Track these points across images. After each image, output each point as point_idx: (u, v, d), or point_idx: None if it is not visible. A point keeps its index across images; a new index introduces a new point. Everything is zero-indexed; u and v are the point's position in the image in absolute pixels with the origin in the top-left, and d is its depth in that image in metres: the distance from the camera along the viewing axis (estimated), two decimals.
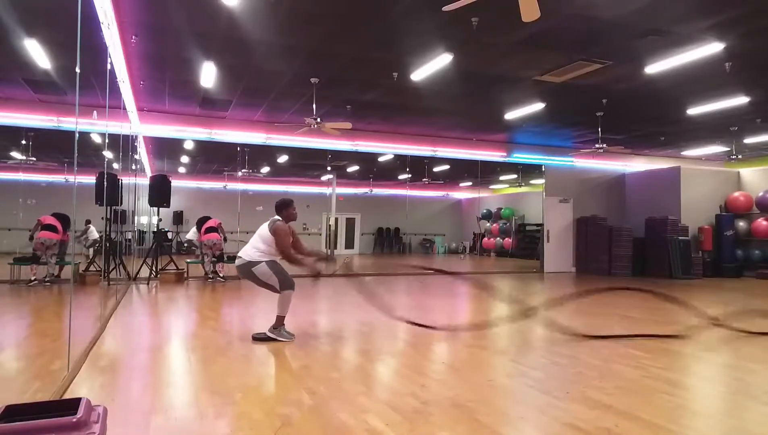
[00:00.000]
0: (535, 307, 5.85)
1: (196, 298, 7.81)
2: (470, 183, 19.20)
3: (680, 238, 11.93)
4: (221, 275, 9.68)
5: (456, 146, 12.65)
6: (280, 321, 4.76)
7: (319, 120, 8.28)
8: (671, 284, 10.63)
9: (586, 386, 3.51)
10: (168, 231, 16.05)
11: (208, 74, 7.68)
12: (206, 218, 10.05)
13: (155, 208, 10.04)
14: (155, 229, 10.80)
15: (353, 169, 15.91)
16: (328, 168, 15.46)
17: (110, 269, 8.70)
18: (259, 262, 4.76)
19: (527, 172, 15.63)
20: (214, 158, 14.42)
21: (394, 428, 2.73)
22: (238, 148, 12.13)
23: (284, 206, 5.01)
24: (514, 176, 17.25)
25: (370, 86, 8.41)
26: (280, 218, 4.93)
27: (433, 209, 20.69)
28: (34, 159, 10.84)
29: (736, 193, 12.97)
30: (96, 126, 7.40)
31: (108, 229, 8.60)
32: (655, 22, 5.75)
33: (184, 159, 14.45)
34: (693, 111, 9.32)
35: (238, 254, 4.93)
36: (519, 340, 5.20)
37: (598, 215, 13.22)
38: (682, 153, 13.95)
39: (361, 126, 11.00)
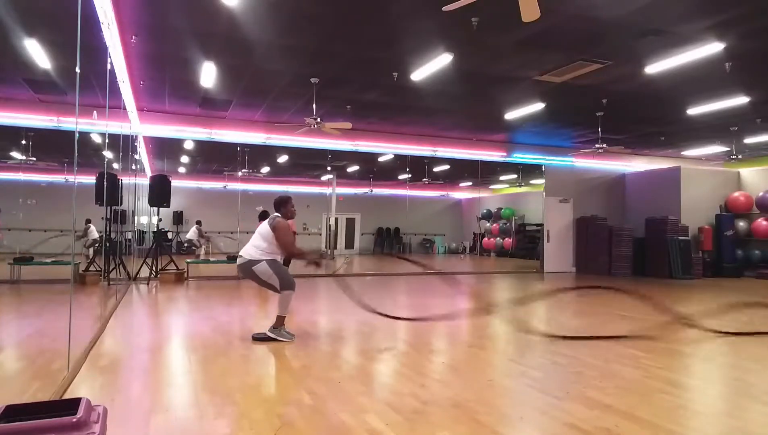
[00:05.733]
0: (498, 305, 5.91)
1: (196, 298, 7.81)
2: (470, 183, 19.20)
3: (680, 238, 11.93)
4: None
5: (456, 146, 12.65)
6: (280, 321, 4.76)
7: (319, 120, 8.28)
8: (671, 284, 10.63)
9: (586, 386, 3.51)
10: (168, 231, 16.05)
11: (208, 74, 7.68)
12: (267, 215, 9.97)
13: (155, 208, 10.04)
14: (155, 229, 10.79)
15: (353, 169, 15.91)
16: (328, 168, 15.45)
17: (110, 269, 8.70)
18: (259, 261, 4.76)
19: (527, 172, 15.62)
20: (214, 158, 14.42)
21: (394, 428, 2.73)
22: (238, 148, 12.13)
23: (283, 203, 5.04)
24: (514, 176, 17.25)
25: (370, 86, 8.41)
26: (279, 215, 4.95)
27: (433, 209, 20.68)
28: (34, 159, 10.83)
29: (736, 193, 12.97)
30: (96, 126, 7.39)
31: (108, 229, 8.60)
32: (655, 22, 5.75)
33: (184, 159, 14.45)
34: (693, 111, 9.32)
35: (239, 253, 4.94)
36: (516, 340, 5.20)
37: (598, 215, 13.21)
38: (682, 153, 13.94)
39: (361, 126, 11.00)
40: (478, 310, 6.27)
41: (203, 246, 14.93)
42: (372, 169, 16.22)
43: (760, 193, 12.50)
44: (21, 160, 11.16)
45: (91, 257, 10.38)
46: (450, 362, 4.26)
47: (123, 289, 8.23)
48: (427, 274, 10.83)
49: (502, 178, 18.09)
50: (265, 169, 15.71)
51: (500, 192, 20.64)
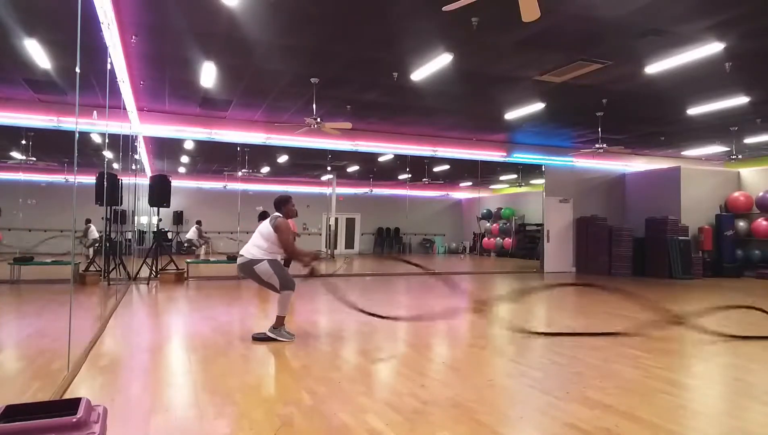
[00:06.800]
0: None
1: (196, 298, 7.81)
2: (470, 183, 19.20)
3: (680, 238, 11.93)
4: None
5: (456, 146, 12.65)
6: (280, 321, 4.76)
7: (319, 120, 8.28)
8: (671, 284, 10.63)
9: (586, 386, 3.51)
10: (168, 231, 16.05)
11: (208, 74, 7.68)
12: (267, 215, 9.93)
13: (155, 208, 10.04)
14: (155, 229, 10.79)
15: (353, 169, 15.91)
16: (328, 168, 15.46)
17: (110, 269, 8.70)
18: (260, 261, 4.76)
19: (527, 172, 15.63)
20: (214, 158, 14.41)
21: (394, 428, 2.73)
22: (238, 148, 12.13)
23: (283, 202, 5.05)
24: (514, 176, 17.25)
25: (370, 86, 8.41)
26: (280, 215, 4.95)
27: (433, 209, 20.68)
28: (34, 159, 10.83)
29: (736, 193, 12.97)
30: (96, 126, 7.39)
31: (108, 229, 8.60)
32: (655, 22, 5.75)
33: (184, 159, 14.45)
34: (693, 111, 9.31)
35: (240, 252, 4.94)
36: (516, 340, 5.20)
37: (598, 215, 13.21)
38: (682, 153, 13.94)
39: (361, 126, 10.99)
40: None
41: (203, 246, 14.94)
42: (372, 169, 16.22)
43: (760, 193, 12.50)
44: (21, 160, 11.16)
45: (91, 257, 10.38)
46: (450, 362, 4.27)
47: (123, 289, 8.23)
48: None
49: (502, 178, 18.09)
50: (265, 169, 15.70)
51: (500, 192, 20.64)
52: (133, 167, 9.54)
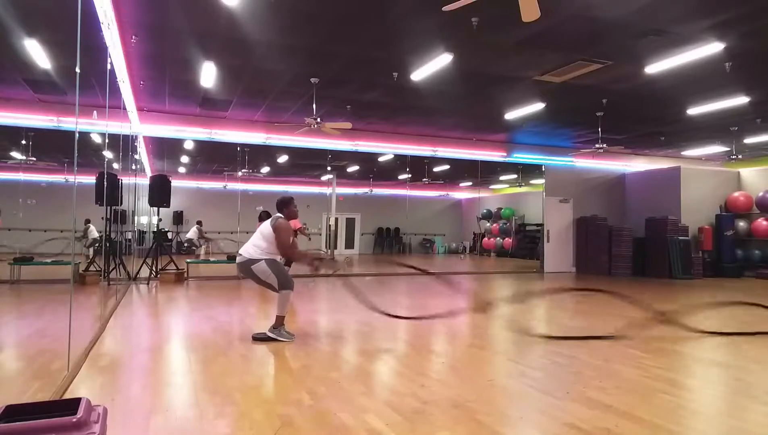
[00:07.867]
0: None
1: (196, 298, 7.81)
2: (470, 183, 19.20)
3: (680, 238, 11.93)
4: None
5: (456, 146, 12.65)
6: (279, 321, 4.76)
7: (319, 120, 8.28)
8: (671, 284, 10.64)
9: (586, 386, 3.51)
10: (168, 231, 16.05)
11: (208, 74, 7.68)
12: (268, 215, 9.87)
13: (155, 208, 10.04)
14: (155, 229, 10.79)
15: (353, 169, 15.91)
16: (328, 168, 15.46)
17: (110, 269, 8.70)
18: (258, 260, 4.76)
19: (527, 172, 15.63)
20: (214, 158, 14.42)
21: (394, 428, 2.73)
22: (238, 148, 12.13)
23: (285, 204, 5.06)
24: (514, 176, 17.26)
25: (370, 86, 8.41)
26: (281, 216, 4.95)
27: (433, 209, 20.69)
28: (34, 159, 10.83)
29: (736, 193, 12.97)
30: (96, 126, 7.39)
31: (108, 229, 8.60)
32: (655, 22, 5.75)
33: (184, 159, 14.45)
34: (693, 111, 9.31)
35: (239, 252, 4.94)
36: (516, 339, 5.20)
37: (598, 215, 13.21)
38: (682, 153, 13.94)
39: (361, 126, 11.00)
40: None
41: (203, 246, 14.94)
42: (372, 169, 16.22)
43: (760, 193, 12.50)
44: (21, 160, 11.16)
45: (91, 257, 10.38)
46: (450, 362, 4.27)
47: (123, 289, 8.23)
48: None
49: (502, 178, 18.10)
50: (265, 169, 15.71)
51: (500, 192, 20.64)
52: (133, 167, 9.54)
